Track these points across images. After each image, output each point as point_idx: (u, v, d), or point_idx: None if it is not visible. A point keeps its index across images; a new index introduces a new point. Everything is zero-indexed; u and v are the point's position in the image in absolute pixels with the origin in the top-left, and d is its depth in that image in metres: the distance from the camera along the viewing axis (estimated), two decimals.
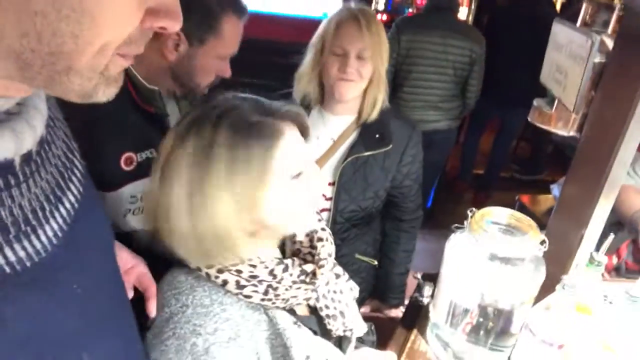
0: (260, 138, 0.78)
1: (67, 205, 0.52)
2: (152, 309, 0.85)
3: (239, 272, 0.83)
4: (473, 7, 3.95)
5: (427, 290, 1.30)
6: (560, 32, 1.00)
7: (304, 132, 0.88)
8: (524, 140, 5.00)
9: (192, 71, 1.21)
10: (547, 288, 1.09)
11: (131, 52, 0.47)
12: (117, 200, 1.11)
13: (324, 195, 1.50)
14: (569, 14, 3.74)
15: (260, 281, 0.84)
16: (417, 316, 1.31)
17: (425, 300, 1.30)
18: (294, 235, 0.97)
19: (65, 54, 0.41)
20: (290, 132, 0.82)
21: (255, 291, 0.84)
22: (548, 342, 0.99)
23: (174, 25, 0.47)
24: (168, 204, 0.78)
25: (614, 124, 0.97)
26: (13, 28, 0.38)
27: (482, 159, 4.26)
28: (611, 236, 1.04)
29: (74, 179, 0.55)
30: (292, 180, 0.82)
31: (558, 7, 4.53)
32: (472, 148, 4.08)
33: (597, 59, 0.90)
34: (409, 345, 1.23)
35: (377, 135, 1.48)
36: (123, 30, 0.44)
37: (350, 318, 1.01)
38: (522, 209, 2.77)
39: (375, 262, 1.68)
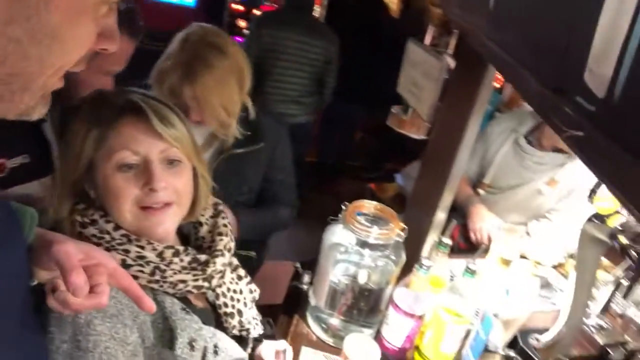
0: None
1: None
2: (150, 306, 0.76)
3: (127, 251, 0.85)
4: (325, 4, 4.18)
5: (306, 277, 1.42)
6: (414, 51, 1.19)
7: (156, 133, 0.87)
8: (368, 134, 5.49)
9: (73, 85, 1.13)
10: (405, 268, 1.29)
11: (76, 69, 0.50)
12: None
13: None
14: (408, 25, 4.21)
15: (147, 262, 0.86)
16: (297, 302, 1.42)
17: (305, 287, 1.41)
18: (197, 230, 1.02)
19: (26, 75, 0.43)
20: (129, 124, 0.86)
21: (142, 271, 0.85)
22: (410, 313, 1.17)
23: (113, 46, 0.51)
24: None
25: (456, 129, 1.19)
26: None
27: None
28: (453, 222, 1.26)
29: None
30: (116, 171, 0.85)
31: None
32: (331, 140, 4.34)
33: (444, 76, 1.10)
34: (292, 329, 1.34)
35: (249, 133, 1.52)
36: (81, 53, 0.47)
37: (247, 318, 1.05)
38: (372, 196, 3.08)
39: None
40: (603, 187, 1.13)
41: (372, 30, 3.82)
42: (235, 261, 1.10)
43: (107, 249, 0.83)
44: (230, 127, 1.43)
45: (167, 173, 0.87)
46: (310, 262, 1.56)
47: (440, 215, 1.29)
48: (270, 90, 2.99)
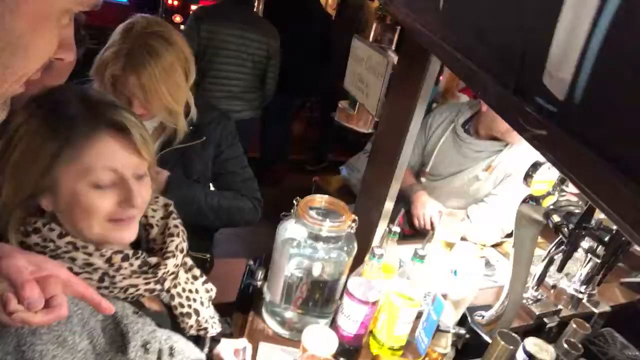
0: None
1: None
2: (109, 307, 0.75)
3: (73, 259, 0.83)
4: (261, 4, 4.16)
5: (259, 274, 1.42)
6: (359, 47, 1.22)
7: (135, 149, 0.86)
8: (309, 126, 5.55)
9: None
10: (357, 258, 1.32)
11: (33, 77, 0.50)
12: None
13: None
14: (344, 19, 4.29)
15: (95, 269, 0.84)
16: (251, 298, 1.42)
17: (258, 283, 1.42)
18: (148, 232, 1.00)
19: None
20: (107, 140, 0.82)
21: (90, 279, 0.83)
22: (364, 301, 1.21)
23: (70, 56, 0.53)
24: None
25: (401, 122, 1.23)
26: None
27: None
28: (402, 210, 1.31)
29: None
30: (92, 188, 0.82)
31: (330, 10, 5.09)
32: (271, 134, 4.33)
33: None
34: (248, 325, 1.34)
35: (191, 128, 1.51)
36: (44, 61, 0.48)
37: (204, 317, 1.05)
38: (318, 189, 3.12)
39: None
40: (538, 170, 1.21)
41: (307, 24, 3.86)
42: (189, 261, 1.10)
43: (52, 257, 0.81)
44: (179, 115, 1.42)
45: (139, 187, 0.86)
46: (262, 258, 1.57)
47: (389, 205, 1.34)
48: (212, 87, 2.95)
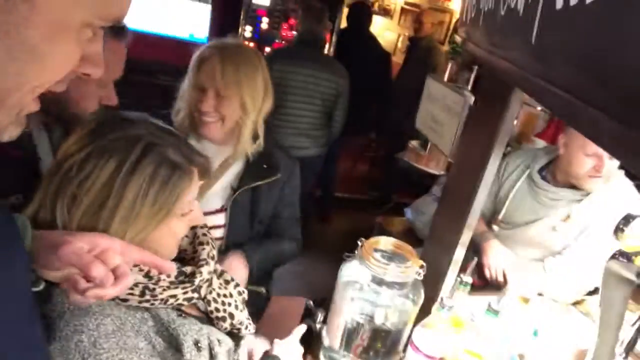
0: (178, 179, 0.87)
1: None
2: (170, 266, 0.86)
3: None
4: (333, 41, 4.26)
5: (319, 315, 1.37)
6: (433, 87, 1.18)
7: (204, 174, 0.96)
8: (374, 166, 5.50)
9: (68, 101, 1.11)
10: (423, 308, 1.24)
11: (55, 89, 0.50)
12: None
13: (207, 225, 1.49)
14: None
15: (136, 284, 0.86)
16: (309, 341, 1.36)
17: (317, 326, 1.36)
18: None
19: (1, 91, 0.43)
20: (196, 177, 0.92)
21: (132, 294, 0.86)
22: (430, 355, 1.12)
23: (98, 72, 0.52)
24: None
25: (475, 166, 1.16)
26: None
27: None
28: (474, 259, 1.23)
29: None
30: (180, 218, 0.90)
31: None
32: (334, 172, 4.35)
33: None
34: None
35: (264, 166, 1.51)
36: (61, 73, 0.48)
37: (239, 319, 1.08)
38: (382, 230, 3.04)
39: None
40: (631, 224, 1.09)
41: (366, 63, 3.92)
42: (219, 267, 1.13)
43: None
44: (246, 130, 1.43)
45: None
46: (322, 300, 1.52)
47: (460, 253, 1.26)
48: (280, 124, 3.02)
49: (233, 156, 1.49)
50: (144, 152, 0.84)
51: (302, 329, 1.23)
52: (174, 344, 0.89)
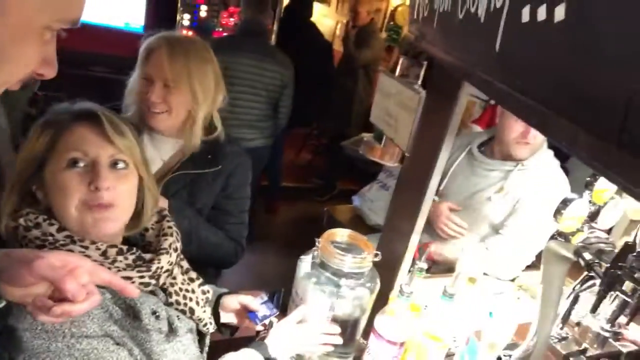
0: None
1: None
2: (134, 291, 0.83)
3: (70, 252, 0.87)
4: (275, 30, 4.22)
5: (274, 324, 1.34)
6: (387, 82, 1.21)
7: (107, 137, 0.94)
8: (318, 155, 5.55)
9: None
10: (380, 295, 1.29)
11: (12, 88, 0.53)
12: None
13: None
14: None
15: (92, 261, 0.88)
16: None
17: (275, 320, 1.34)
18: (143, 235, 1.07)
19: None
20: (81, 129, 0.94)
21: None
22: (392, 341, 1.17)
23: (52, 73, 0.54)
24: None
25: (428, 157, 1.22)
26: None
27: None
28: (432, 246, 1.28)
29: None
30: (64, 168, 0.91)
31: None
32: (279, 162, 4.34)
33: None
34: None
35: (208, 156, 1.50)
36: (25, 73, 0.51)
37: (199, 316, 1.10)
38: (330, 218, 3.09)
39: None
40: (569, 207, 1.19)
41: (308, 54, 3.95)
42: (186, 264, 1.15)
43: (51, 250, 0.87)
44: (196, 124, 1.42)
45: (112, 176, 0.93)
46: (280, 292, 1.53)
47: (415, 239, 1.31)
48: (226, 115, 2.93)
49: (187, 147, 1.47)
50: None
51: (302, 309, 1.23)
52: (132, 313, 0.91)
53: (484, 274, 1.78)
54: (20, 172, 0.94)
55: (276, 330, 1.18)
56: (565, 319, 1.52)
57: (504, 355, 1.39)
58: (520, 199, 1.92)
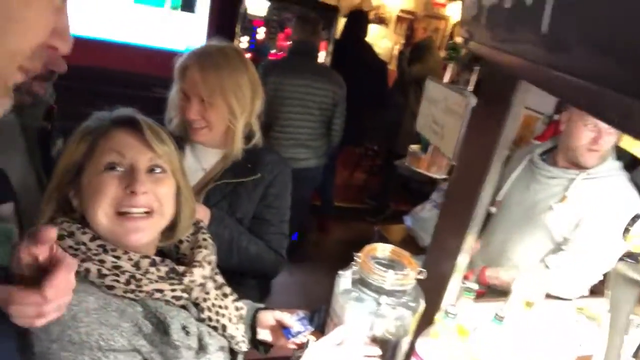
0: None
1: None
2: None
3: (102, 262, 0.86)
4: (330, 51, 4.25)
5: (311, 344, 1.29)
6: (433, 88, 1.16)
7: (146, 143, 0.93)
8: (372, 175, 5.48)
9: None
10: (425, 316, 1.20)
11: (30, 68, 0.50)
12: None
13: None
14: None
15: (123, 271, 0.87)
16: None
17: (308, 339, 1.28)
18: (178, 248, 1.05)
19: None
20: (120, 133, 0.93)
21: (117, 280, 0.86)
22: None
23: (65, 47, 0.52)
24: None
25: (479, 168, 1.14)
26: None
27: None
28: (479, 266, 1.19)
29: None
30: (102, 171, 0.90)
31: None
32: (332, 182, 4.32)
33: None
34: None
35: (248, 165, 1.48)
36: (37, 39, 0.48)
37: (231, 333, 1.06)
38: (381, 239, 3.01)
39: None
40: (637, 224, 1.07)
41: (363, 73, 3.93)
42: (220, 279, 1.12)
43: (83, 260, 0.86)
44: (237, 134, 1.41)
45: (150, 180, 0.91)
46: (322, 310, 1.47)
47: (463, 259, 1.22)
48: (279, 135, 3.02)
49: (229, 157, 1.47)
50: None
51: (341, 329, 1.15)
52: (162, 328, 0.88)
53: (545, 295, 1.64)
54: (58, 179, 0.93)
55: (312, 351, 1.12)
56: (638, 350, 1.37)
57: None
58: (585, 212, 1.77)
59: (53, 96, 1.26)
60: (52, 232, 0.69)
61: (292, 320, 1.19)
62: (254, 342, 1.24)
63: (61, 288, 0.69)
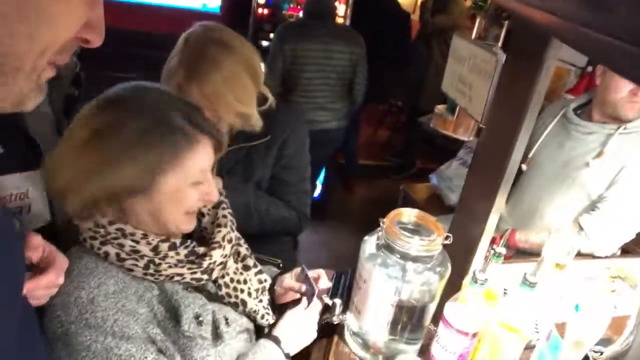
0: (176, 141, 0.87)
1: None
2: None
3: (121, 245, 0.87)
4: (349, 10, 4.09)
5: (338, 308, 1.29)
6: (460, 46, 1.09)
7: (218, 147, 0.96)
8: (396, 132, 5.39)
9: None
10: (453, 281, 1.18)
11: (60, 61, 0.50)
12: None
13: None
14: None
15: (141, 256, 0.88)
16: (330, 333, 1.30)
17: (336, 320, 1.25)
18: (200, 221, 1.04)
19: (15, 55, 0.43)
20: (206, 146, 0.91)
21: (136, 265, 0.88)
22: (464, 331, 1.07)
23: (98, 40, 0.50)
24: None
25: (509, 129, 1.08)
26: None
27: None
28: (509, 229, 1.15)
29: None
30: (189, 186, 0.90)
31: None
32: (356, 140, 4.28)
33: None
34: (332, 347, 1.26)
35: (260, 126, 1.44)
36: (69, 33, 0.47)
37: (252, 307, 1.05)
38: (406, 197, 2.97)
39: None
40: None
41: (383, 26, 3.78)
42: (243, 251, 1.11)
43: (102, 243, 0.87)
44: (253, 117, 1.37)
45: (214, 181, 0.97)
46: (348, 273, 1.48)
47: (492, 222, 1.19)
48: (299, 100, 3.02)
49: (248, 129, 1.43)
50: (142, 114, 0.84)
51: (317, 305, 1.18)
52: (174, 315, 0.89)
53: (577, 254, 1.60)
54: (108, 182, 0.88)
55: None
56: None
57: (594, 352, 1.24)
58: (623, 168, 1.70)
59: (78, 64, 1.25)
60: (36, 240, 0.76)
61: (301, 287, 1.20)
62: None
63: (46, 287, 0.77)
